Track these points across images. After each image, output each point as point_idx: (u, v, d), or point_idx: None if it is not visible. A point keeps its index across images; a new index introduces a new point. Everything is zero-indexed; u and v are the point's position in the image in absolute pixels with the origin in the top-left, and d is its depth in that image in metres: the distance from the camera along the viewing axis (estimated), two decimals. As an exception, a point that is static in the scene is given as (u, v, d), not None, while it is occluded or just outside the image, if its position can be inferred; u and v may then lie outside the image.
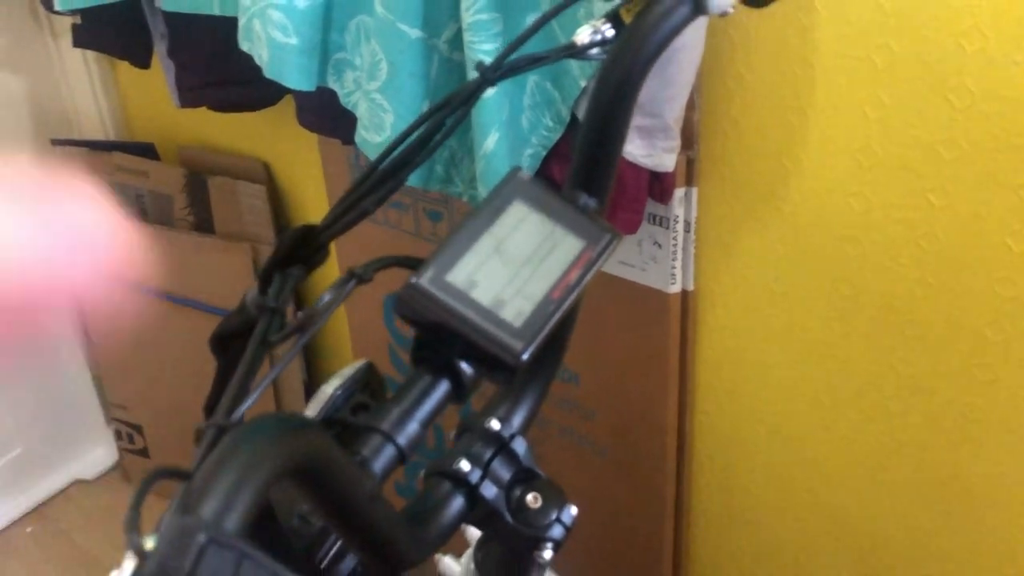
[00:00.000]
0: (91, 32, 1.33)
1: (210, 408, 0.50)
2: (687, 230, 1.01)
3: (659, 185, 0.96)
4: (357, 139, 1.04)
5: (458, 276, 0.44)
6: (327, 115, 1.12)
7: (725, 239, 1.01)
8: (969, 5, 0.76)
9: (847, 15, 0.82)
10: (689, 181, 0.99)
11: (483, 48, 0.90)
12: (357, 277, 0.44)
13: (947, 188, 0.83)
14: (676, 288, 1.04)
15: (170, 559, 0.27)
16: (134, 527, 0.28)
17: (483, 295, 0.43)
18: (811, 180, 0.91)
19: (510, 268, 0.45)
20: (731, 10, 0.54)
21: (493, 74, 0.52)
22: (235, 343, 0.52)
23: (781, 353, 1.02)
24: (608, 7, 0.54)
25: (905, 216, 0.86)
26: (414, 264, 0.46)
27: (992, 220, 0.82)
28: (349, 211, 0.53)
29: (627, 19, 0.54)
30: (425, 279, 0.43)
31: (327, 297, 0.44)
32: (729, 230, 1.00)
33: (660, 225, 1.01)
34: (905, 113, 0.82)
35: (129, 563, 0.29)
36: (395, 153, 0.53)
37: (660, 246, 1.02)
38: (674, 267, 1.02)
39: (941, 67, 0.79)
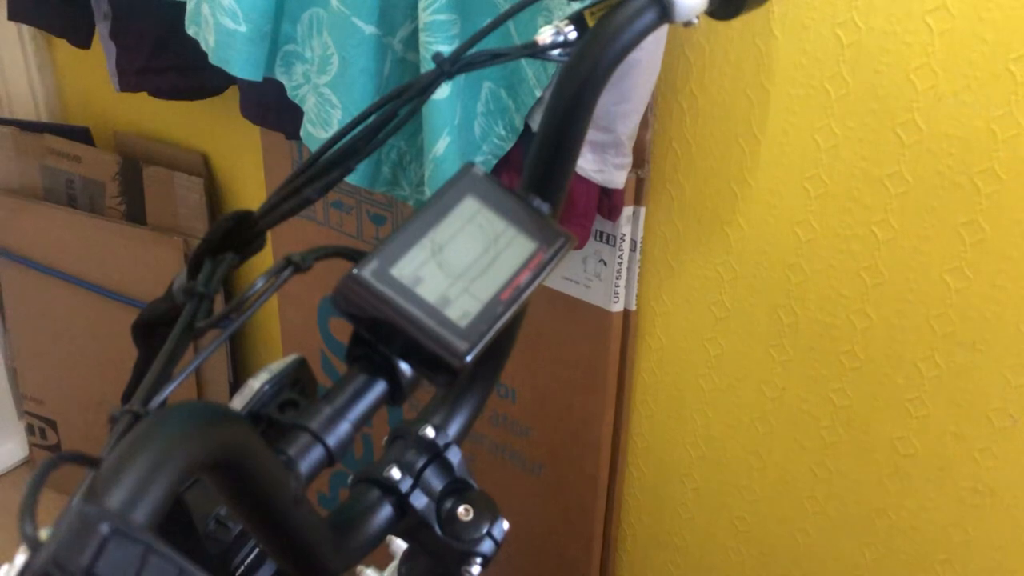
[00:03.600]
0: (28, 6, 1.27)
1: (127, 397, 0.47)
2: (633, 249, 1.01)
3: (608, 202, 0.95)
4: (302, 133, 1.01)
5: (403, 271, 0.42)
6: (272, 108, 1.09)
7: (669, 260, 1.00)
8: (923, 43, 0.77)
9: (804, 44, 0.83)
10: (638, 200, 0.98)
11: (439, 48, 0.88)
12: (295, 265, 0.42)
13: (891, 222, 0.84)
14: (619, 307, 1.03)
15: (66, 551, 0.24)
16: (28, 515, 0.25)
17: (428, 292, 0.41)
18: (758, 206, 0.91)
19: (459, 266, 0.43)
20: (695, 20, 0.53)
21: (451, 67, 0.50)
22: (159, 332, 0.49)
23: (718, 378, 1.02)
24: (571, 9, 0.53)
25: (849, 247, 0.87)
26: (357, 256, 0.44)
27: (933, 256, 0.82)
28: (290, 198, 0.50)
29: (591, 23, 0.53)
30: (368, 271, 0.41)
31: (260, 283, 0.41)
32: (674, 252, 1.00)
33: (607, 243, 1.00)
34: (855, 145, 0.83)
35: (22, 556, 0.26)
36: (343, 140, 0.50)
37: (605, 264, 1.01)
38: (618, 286, 1.01)
39: (892, 102, 0.80)
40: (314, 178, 0.51)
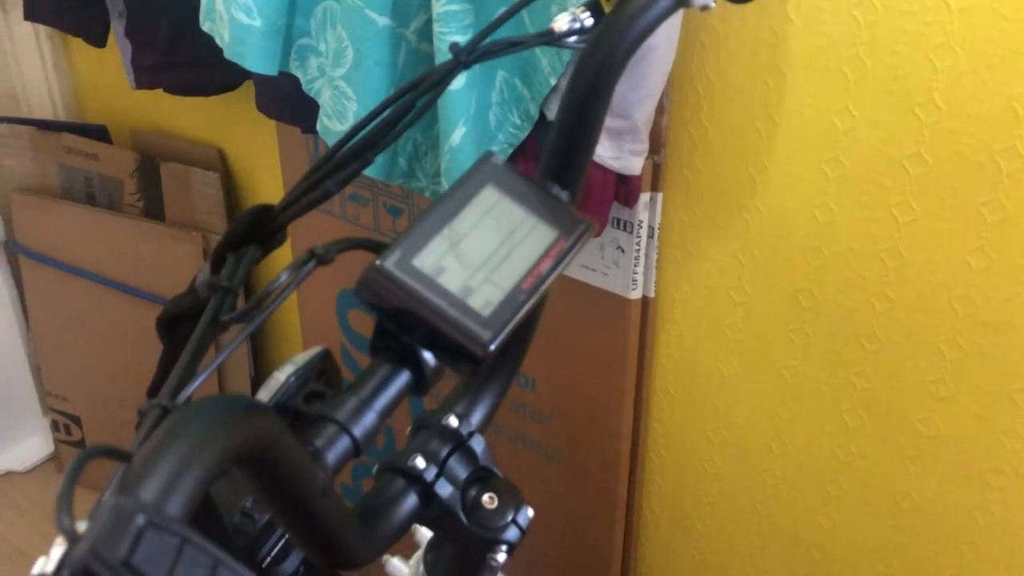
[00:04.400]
0: (44, 5, 1.28)
1: (154, 392, 0.47)
2: (651, 236, 1.00)
3: (625, 189, 0.95)
4: (319, 127, 1.01)
5: (425, 261, 0.42)
6: (287, 102, 1.09)
7: (687, 246, 1.00)
8: (941, 22, 0.76)
9: (820, 25, 0.82)
10: (655, 186, 0.98)
11: (453, 39, 0.88)
12: (318, 257, 0.42)
13: (911, 203, 0.83)
14: (637, 294, 1.03)
15: (104, 542, 0.24)
16: (66, 508, 0.26)
17: (451, 282, 0.41)
18: (776, 190, 0.91)
19: (480, 255, 0.43)
20: (712, 4, 0.53)
21: (468, 56, 0.50)
22: (183, 326, 0.49)
23: (738, 363, 1.02)
24: (587, -4, 0.53)
25: (869, 230, 0.86)
26: (379, 247, 0.44)
27: (954, 237, 0.82)
28: (310, 191, 0.50)
29: (607, 8, 0.53)
30: (390, 262, 0.41)
31: (284, 276, 0.41)
32: (692, 237, 0.99)
33: (624, 230, 1.00)
34: (873, 126, 0.82)
35: (59, 549, 0.27)
36: (362, 133, 0.50)
37: (623, 251, 1.01)
38: (636, 273, 1.01)
39: (911, 82, 0.79)
40: (333, 171, 0.51)
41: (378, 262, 0.41)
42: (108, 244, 1.54)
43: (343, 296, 1.33)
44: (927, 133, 0.80)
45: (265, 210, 0.50)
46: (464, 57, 0.51)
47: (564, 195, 0.52)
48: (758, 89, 0.88)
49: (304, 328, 1.43)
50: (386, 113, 0.51)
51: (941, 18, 0.76)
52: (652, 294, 1.04)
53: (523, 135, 0.93)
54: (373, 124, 0.51)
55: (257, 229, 0.50)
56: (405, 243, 0.42)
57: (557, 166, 0.53)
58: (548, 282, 0.44)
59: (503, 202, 0.45)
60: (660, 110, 0.92)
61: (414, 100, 0.51)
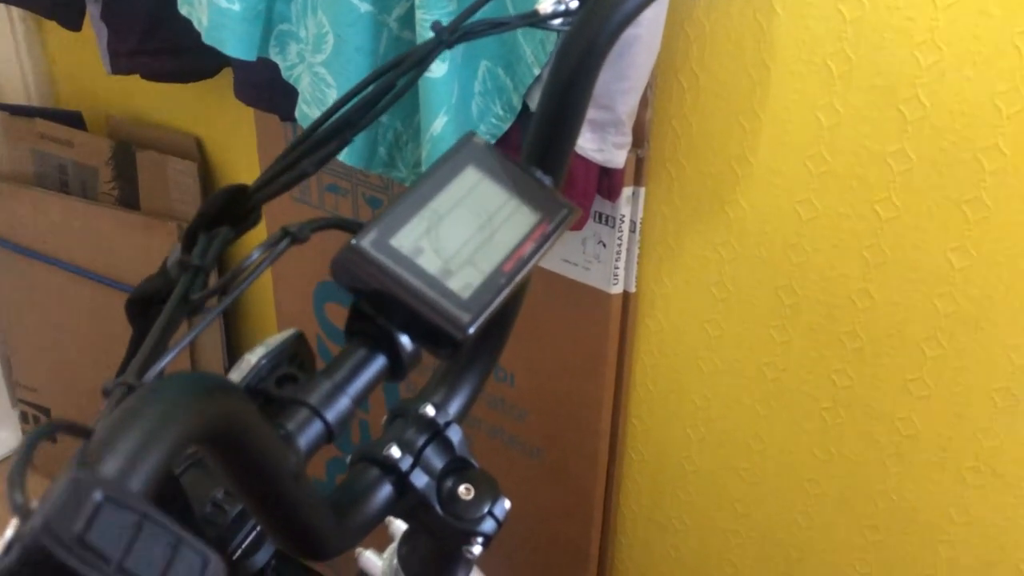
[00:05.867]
0: (18, -13, 1.26)
1: (123, 372, 0.46)
2: (632, 230, 1.00)
3: (608, 182, 0.94)
4: (298, 114, 1.00)
5: (403, 241, 0.41)
6: (266, 89, 1.07)
7: (669, 241, 0.99)
8: (926, 18, 0.76)
9: (806, 20, 0.82)
10: (637, 180, 0.97)
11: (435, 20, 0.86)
12: (292, 236, 0.41)
13: (894, 200, 0.83)
14: (618, 289, 1.02)
15: (58, 517, 0.23)
16: (18, 483, 0.24)
17: (429, 263, 0.40)
18: (759, 185, 0.90)
19: (460, 236, 0.41)
20: (701, -11, 0.52)
21: (450, 36, 0.49)
22: (154, 308, 0.48)
23: (719, 359, 1.01)
24: (574, -23, 0.52)
25: (851, 226, 0.86)
26: (356, 228, 0.42)
27: (936, 234, 0.82)
28: (286, 171, 0.49)
29: (593, -9, 0.52)
30: (367, 242, 0.40)
31: (257, 254, 0.40)
32: (673, 232, 0.99)
33: (606, 224, 0.99)
34: (858, 122, 0.82)
35: (12, 528, 0.25)
36: (341, 112, 0.49)
37: (605, 245, 1.00)
38: (617, 267, 1.00)
39: (895, 78, 0.79)
40: (310, 151, 0.50)
41: (354, 241, 0.39)
42: (82, 233, 1.51)
43: (320, 288, 1.31)
44: (911, 130, 0.80)
45: (240, 190, 0.49)
46: (446, 36, 0.50)
47: (547, 179, 0.51)
48: (742, 83, 0.88)
49: (280, 321, 1.41)
50: (366, 92, 0.50)
51: (926, 14, 0.75)
52: (633, 289, 1.03)
53: (506, 126, 0.92)
54: (352, 103, 0.50)
55: (231, 209, 0.48)
56: (383, 223, 0.41)
57: (540, 151, 0.52)
58: (530, 265, 0.43)
59: (484, 183, 0.44)
60: (644, 103, 0.91)
61: (395, 80, 0.50)
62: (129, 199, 1.50)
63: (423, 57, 0.49)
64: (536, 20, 0.51)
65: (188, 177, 1.42)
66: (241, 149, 1.38)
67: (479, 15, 0.52)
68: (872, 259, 0.86)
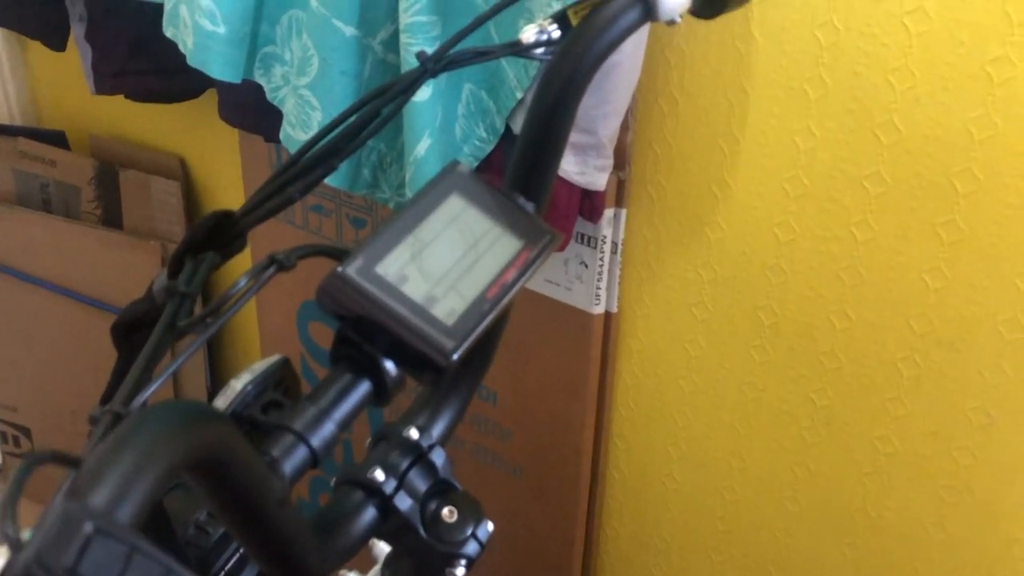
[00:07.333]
0: (2, 7, 1.26)
1: (107, 399, 0.46)
2: (614, 251, 1.01)
3: (590, 204, 0.95)
4: (282, 136, 1.00)
5: (388, 268, 0.41)
6: (251, 110, 1.08)
7: (650, 262, 1.00)
8: (900, 44, 0.77)
9: (783, 45, 0.83)
10: (619, 202, 0.98)
11: (420, 49, 0.87)
12: (278, 263, 0.41)
13: (870, 223, 0.84)
14: (600, 309, 1.03)
15: (50, 549, 0.23)
16: (10, 515, 0.25)
17: (414, 290, 0.41)
18: (738, 207, 0.92)
19: (444, 263, 0.42)
20: (678, 19, 0.53)
21: (435, 65, 0.50)
22: (139, 333, 0.48)
23: (699, 379, 1.02)
24: (554, 8, 0.53)
25: (829, 248, 0.87)
26: (341, 255, 0.43)
27: (911, 256, 0.83)
28: (272, 197, 0.50)
29: (574, 21, 0.53)
30: (352, 269, 0.40)
31: (243, 282, 0.40)
32: (654, 253, 1.00)
33: (588, 245, 1.00)
34: (834, 146, 0.84)
35: (1, 557, 0.26)
36: (326, 139, 0.50)
37: (586, 266, 1.01)
38: (599, 288, 1.01)
39: (871, 103, 0.80)
40: (296, 177, 0.50)
41: (340, 269, 0.40)
42: (63, 252, 1.51)
43: (304, 308, 1.31)
44: (887, 154, 0.81)
45: (226, 215, 0.49)
46: (431, 65, 0.51)
47: (530, 206, 0.52)
48: (721, 107, 0.89)
49: (263, 340, 1.41)
50: (352, 119, 0.51)
51: (900, 41, 0.77)
52: (615, 309, 1.04)
53: (489, 147, 0.93)
54: (338, 131, 0.50)
55: (217, 234, 0.49)
56: (368, 250, 0.41)
57: (523, 177, 0.53)
58: (513, 292, 0.43)
59: (468, 210, 0.45)
60: (625, 126, 0.92)
61: (380, 107, 0.51)
62: (112, 218, 1.49)
63: (408, 86, 0.50)
64: (519, 49, 0.52)
65: (171, 197, 1.42)
66: (225, 169, 1.39)
67: (463, 44, 0.53)
68: (849, 280, 0.87)
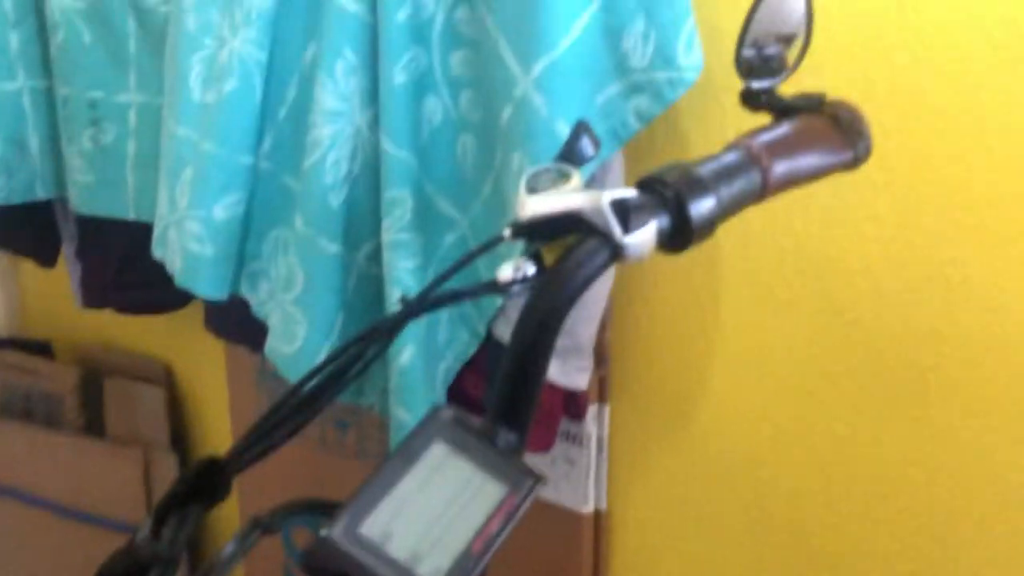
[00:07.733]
0: (-3, 229, 1.30)
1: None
2: (600, 449, 1.01)
3: (573, 403, 0.96)
4: (267, 349, 1.02)
5: (373, 528, 0.41)
6: (237, 321, 1.10)
7: (637, 458, 1.00)
8: (859, 250, 0.81)
9: (748, 252, 0.87)
10: (602, 397, 0.99)
11: (403, 265, 0.91)
12: (263, 527, 0.42)
13: (849, 418, 0.85)
14: (589, 508, 1.02)
15: None
16: None
17: (398, 549, 0.41)
18: (719, 402, 0.93)
19: (428, 517, 0.42)
20: (645, 257, 0.56)
21: (417, 307, 0.52)
22: (121, 590, 0.47)
23: (695, 577, 1.00)
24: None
25: (812, 443, 0.88)
26: (326, 508, 0.43)
27: (891, 448, 0.84)
28: (258, 443, 0.51)
29: (548, 258, 0.56)
30: (337, 533, 0.41)
31: (229, 549, 0.40)
32: (641, 449, 1.00)
33: (573, 442, 1.00)
34: (807, 343, 0.86)
35: None
36: (312, 384, 0.51)
37: (573, 464, 1.00)
38: (587, 486, 1.01)
39: (838, 302, 0.83)
40: (281, 422, 0.51)
41: (324, 533, 0.40)
42: (43, 462, 1.48)
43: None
44: (859, 350, 0.83)
45: (211, 463, 0.50)
46: (414, 308, 0.53)
47: (512, 438, 0.52)
48: (694, 306, 0.92)
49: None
50: (338, 361, 0.52)
51: (859, 246, 0.81)
52: (604, 507, 1.03)
53: (471, 351, 0.95)
54: (323, 375, 0.52)
55: (203, 482, 0.49)
56: (352, 509, 0.42)
57: (506, 408, 0.54)
58: (498, 542, 0.44)
59: (451, 458, 0.45)
60: (602, 326, 0.95)
61: (365, 348, 0.52)
62: (95, 426, 1.48)
63: (392, 328, 0.52)
64: (496, 289, 0.54)
65: (156, 404, 1.42)
66: (210, 375, 1.39)
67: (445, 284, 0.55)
68: (834, 474, 0.87)
